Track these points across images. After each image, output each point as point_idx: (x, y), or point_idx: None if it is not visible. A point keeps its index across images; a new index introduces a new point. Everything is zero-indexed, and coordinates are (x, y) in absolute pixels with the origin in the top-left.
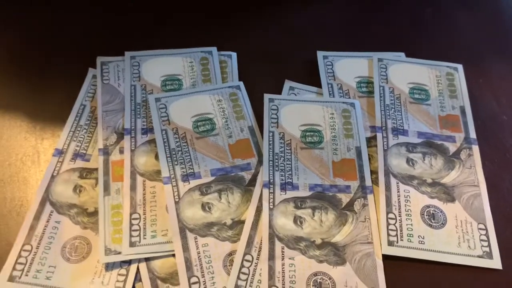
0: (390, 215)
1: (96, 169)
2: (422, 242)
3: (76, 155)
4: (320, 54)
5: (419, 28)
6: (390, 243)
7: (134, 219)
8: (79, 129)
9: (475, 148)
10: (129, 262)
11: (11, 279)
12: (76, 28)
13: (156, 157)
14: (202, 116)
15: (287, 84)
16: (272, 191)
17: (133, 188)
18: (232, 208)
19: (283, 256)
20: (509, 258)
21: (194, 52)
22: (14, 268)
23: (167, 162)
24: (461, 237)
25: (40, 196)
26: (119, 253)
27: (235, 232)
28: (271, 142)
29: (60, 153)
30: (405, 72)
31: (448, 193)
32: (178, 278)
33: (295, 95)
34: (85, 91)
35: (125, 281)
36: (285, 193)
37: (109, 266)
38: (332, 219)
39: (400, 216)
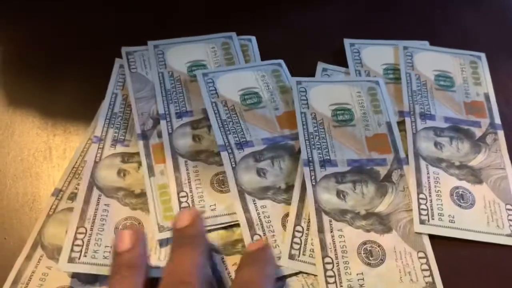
0: (421, 196)
1: (137, 153)
2: (452, 221)
3: (116, 141)
4: (347, 41)
5: (426, 28)
6: (422, 222)
7: (182, 197)
8: (114, 116)
9: (500, 133)
10: None
11: (71, 260)
12: (89, 24)
13: (193, 138)
14: (248, 90)
15: (320, 66)
16: (312, 168)
17: (176, 168)
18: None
19: (331, 229)
20: None
21: (215, 38)
22: (72, 250)
23: (220, 132)
24: (490, 216)
25: (86, 182)
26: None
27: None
28: (304, 123)
29: (99, 140)
30: (430, 59)
31: (476, 175)
32: (230, 248)
33: (328, 76)
34: (114, 80)
35: None
36: (325, 170)
37: (163, 243)
38: (372, 191)
39: (430, 196)
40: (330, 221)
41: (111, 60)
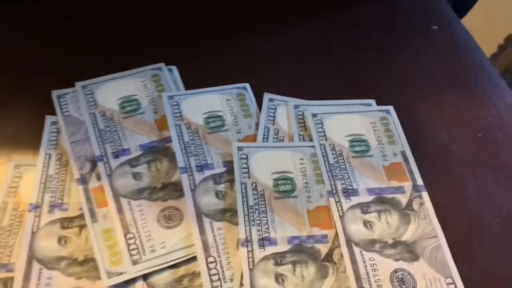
0: None
1: (77, 217)
2: None
3: (53, 206)
4: (266, 96)
5: (376, 59)
6: None
7: (129, 238)
8: (49, 179)
9: (425, 195)
10: (134, 282)
11: None
12: (30, 57)
13: (134, 177)
14: (212, 113)
15: (266, 96)
16: (250, 249)
17: (120, 210)
18: None
19: None
20: (470, 282)
21: (143, 71)
22: None
23: (182, 154)
24: None
25: (25, 256)
26: (121, 273)
27: None
28: (244, 195)
29: (35, 207)
30: (341, 124)
31: (411, 251)
32: (176, 285)
33: (274, 107)
34: (47, 140)
35: None
36: (264, 250)
37: None
38: (313, 272)
39: None
40: None
41: (50, 91)
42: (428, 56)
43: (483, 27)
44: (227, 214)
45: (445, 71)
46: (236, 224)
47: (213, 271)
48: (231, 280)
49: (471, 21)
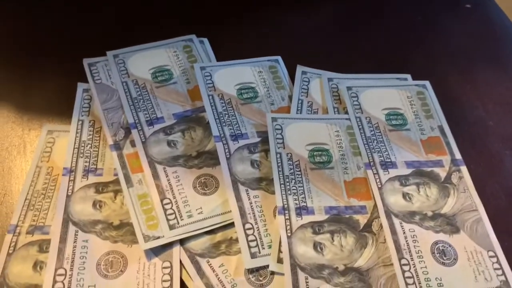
0: (403, 261)
1: (111, 182)
2: (441, 285)
3: (87, 171)
4: (299, 68)
5: (409, 36)
6: None
7: (166, 204)
8: (83, 145)
9: (464, 169)
10: (170, 247)
11: None
12: (62, 26)
13: (168, 144)
14: (245, 85)
15: (299, 69)
16: (288, 217)
17: (155, 176)
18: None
19: (307, 287)
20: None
21: (175, 42)
22: None
23: (216, 123)
24: (476, 270)
25: (60, 218)
26: (158, 237)
27: None
28: (279, 164)
29: (69, 171)
30: (376, 97)
31: (451, 224)
32: (214, 250)
33: (308, 80)
34: (79, 107)
35: (171, 273)
36: (301, 219)
37: (151, 267)
38: (351, 242)
39: (412, 260)
40: (306, 278)
41: (81, 60)
42: (461, 33)
43: None
44: (263, 183)
45: (479, 48)
46: (272, 192)
47: (251, 237)
48: (269, 246)
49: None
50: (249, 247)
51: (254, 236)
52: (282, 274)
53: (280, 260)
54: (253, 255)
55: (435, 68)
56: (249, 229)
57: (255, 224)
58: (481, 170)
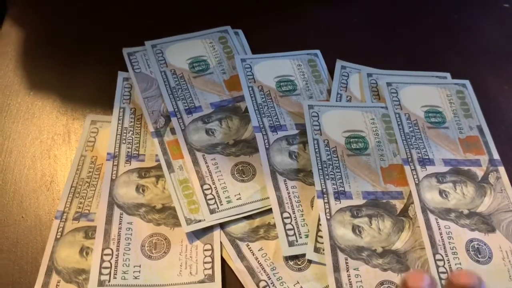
0: (437, 256)
1: (153, 167)
2: None
3: (130, 157)
4: (339, 63)
5: (445, 35)
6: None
7: (206, 189)
8: (125, 131)
9: (502, 170)
10: (211, 230)
11: (101, 283)
12: (106, 19)
13: (207, 132)
14: (284, 77)
15: (339, 63)
16: (326, 201)
17: (195, 162)
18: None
19: (347, 267)
20: None
21: (210, 33)
22: (101, 273)
23: (256, 114)
24: (510, 269)
25: (106, 201)
26: (199, 221)
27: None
28: (317, 150)
29: (113, 157)
30: (416, 94)
31: (487, 223)
32: (253, 235)
33: (347, 75)
34: (120, 95)
35: (212, 255)
36: (340, 202)
37: (193, 249)
38: (389, 226)
39: (447, 255)
40: (346, 258)
41: (120, 49)
42: (499, 33)
43: None
44: (301, 174)
45: None
46: (310, 184)
47: (288, 226)
48: (306, 236)
49: None
50: (287, 235)
51: (292, 225)
52: (319, 263)
53: (317, 250)
54: (290, 243)
55: (472, 68)
56: (287, 218)
57: (293, 213)
58: None
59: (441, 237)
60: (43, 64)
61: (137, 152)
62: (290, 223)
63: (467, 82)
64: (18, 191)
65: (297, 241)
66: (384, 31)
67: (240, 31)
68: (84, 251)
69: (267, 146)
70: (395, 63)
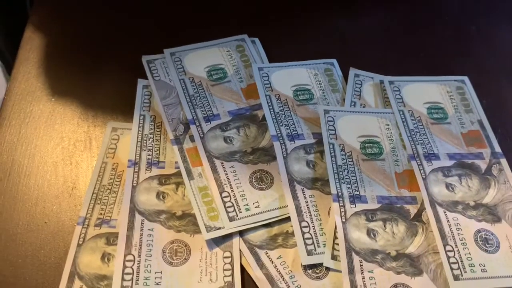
0: (448, 247)
1: (173, 175)
2: (485, 270)
3: (150, 164)
4: (352, 71)
5: (462, 45)
6: (456, 278)
7: (224, 197)
8: (145, 138)
9: (504, 162)
10: (230, 238)
11: None
12: (128, 28)
13: (225, 140)
14: (301, 86)
15: (352, 71)
16: (342, 204)
17: (214, 170)
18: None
19: (362, 270)
20: None
21: (228, 42)
22: (123, 279)
23: (273, 123)
24: None
25: (127, 208)
26: (219, 228)
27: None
28: (332, 154)
29: (134, 163)
30: (418, 92)
31: (493, 213)
32: (272, 243)
33: (360, 83)
34: (140, 102)
35: (231, 262)
36: (355, 206)
37: (213, 256)
38: (403, 230)
39: (456, 246)
40: (361, 261)
41: (139, 57)
42: None
43: None
44: (318, 183)
45: None
46: (328, 193)
47: (307, 235)
48: (325, 245)
49: None
50: (305, 244)
51: (310, 234)
52: (336, 271)
53: (334, 257)
54: (309, 252)
55: (488, 78)
56: (305, 227)
57: (311, 222)
58: None
59: (450, 228)
60: (65, 71)
61: (157, 159)
62: (308, 232)
63: (465, 78)
64: (41, 196)
65: (315, 250)
66: (401, 39)
67: (257, 40)
68: (106, 258)
69: (284, 155)
70: (411, 71)
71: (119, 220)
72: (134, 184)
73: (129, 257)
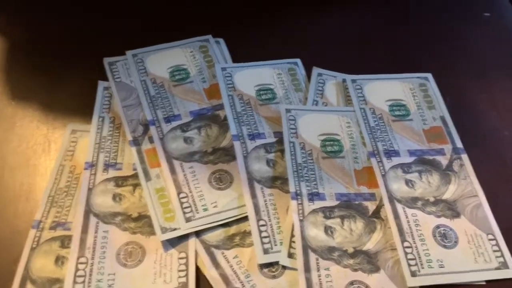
0: (406, 244)
1: (131, 176)
2: (442, 266)
3: (108, 166)
4: (315, 70)
5: (425, 43)
6: (413, 274)
7: (182, 197)
8: (103, 140)
9: (465, 157)
10: (186, 238)
11: None
12: (87, 29)
13: (185, 141)
14: (264, 86)
15: (315, 71)
16: (300, 202)
17: (172, 171)
18: None
19: (318, 267)
20: None
21: (192, 42)
22: (75, 282)
23: (235, 122)
24: (476, 252)
25: (82, 210)
26: (175, 229)
27: None
28: (292, 153)
29: (91, 166)
30: (380, 89)
31: (452, 209)
32: (228, 242)
33: (323, 82)
34: (100, 104)
35: (186, 263)
36: (313, 203)
37: (167, 258)
38: (361, 227)
39: (415, 242)
40: (317, 259)
41: (101, 59)
42: (480, 42)
43: None
44: (278, 181)
45: (497, 57)
46: (287, 192)
47: (264, 234)
48: (281, 244)
49: None
50: (262, 243)
51: (268, 232)
52: (292, 269)
53: (290, 255)
54: (265, 251)
55: (451, 77)
56: (262, 225)
57: (269, 221)
58: (495, 180)
59: (409, 224)
60: (26, 74)
61: (114, 161)
62: (265, 231)
63: (429, 75)
64: None
65: (272, 249)
66: (365, 38)
67: (221, 40)
68: (60, 261)
69: (245, 154)
70: (375, 69)
71: (74, 223)
72: (91, 187)
73: (82, 260)
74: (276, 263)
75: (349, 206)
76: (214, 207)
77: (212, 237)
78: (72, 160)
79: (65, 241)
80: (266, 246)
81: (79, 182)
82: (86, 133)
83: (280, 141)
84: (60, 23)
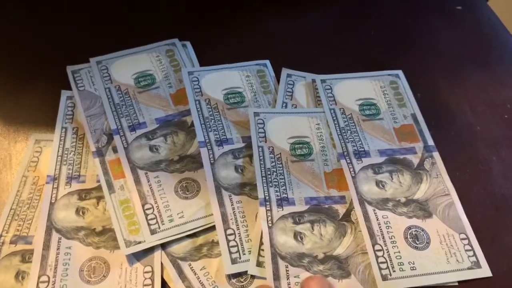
0: (377, 247)
1: (94, 189)
2: (414, 268)
3: (70, 178)
4: (284, 71)
5: (398, 39)
6: (384, 277)
7: (147, 209)
8: (66, 152)
9: (436, 155)
10: (152, 252)
11: None
12: (50, 40)
13: (150, 149)
14: (232, 89)
15: (284, 72)
16: (269, 208)
17: (137, 182)
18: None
19: (288, 275)
20: (496, 263)
21: (158, 47)
22: None
23: (201, 128)
24: (448, 252)
25: (44, 226)
26: (139, 242)
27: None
28: (261, 158)
29: (53, 179)
30: (350, 89)
31: (424, 209)
32: (196, 253)
33: (292, 83)
34: (62, 115)
35: (152, 277)
36: (282, 209)
37: (132, 272)
38: (331, 231)
39: (386, 245)
40: (287, 266)
41: (64, 67)
42: (452, 36)
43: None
44: (246, 188)
45: (469, 51)
46: (256, 198)
47: (232, 243)
48: (250, 252)
49: (498, 1)
50: (230, 252)
51: (236, 241)
52: (262, 278)
53: (259, 264)
54: (233, 261)
55: (424, 71)
56: (230, 234)
57: (237, 229)
58: (468, 177)
59: (380, 227)
60: None
61: (78, 174)
62: (233, 240)
63: (400, 72)
64: None
65: (240, 258)
66: (335, 37)
67: (188, 43)
68: (20, 276)
69: (212, 161)
70: (345, 69)
71: (35, 240)
72: (53, 201)
73: (43, 278)
74: (245, 272)
75: (319, 210)
76: (181, 217)
77: (179, 248)
78: (36, 171)
79: (26, 256)
80: (234, 255)
81: (42, 194)
82: (50, 142)
83: (248, 146)
84: (22, 33)
